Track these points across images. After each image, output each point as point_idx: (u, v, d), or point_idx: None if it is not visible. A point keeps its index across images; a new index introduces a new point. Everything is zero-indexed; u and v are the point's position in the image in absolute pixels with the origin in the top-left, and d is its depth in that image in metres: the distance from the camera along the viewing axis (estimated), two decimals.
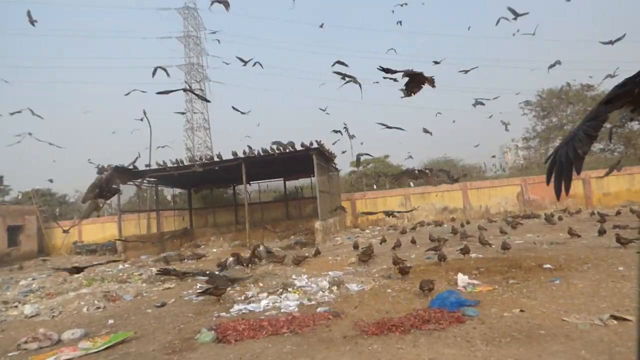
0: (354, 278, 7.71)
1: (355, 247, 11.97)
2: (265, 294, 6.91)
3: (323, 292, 6.82)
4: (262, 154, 16.41)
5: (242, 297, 6.97)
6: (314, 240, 15.34)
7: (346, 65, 8.45)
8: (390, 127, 8.96)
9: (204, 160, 17.86)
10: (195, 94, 18.73)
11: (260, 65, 11.89)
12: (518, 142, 37.57)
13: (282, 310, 5.97)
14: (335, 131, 14.40)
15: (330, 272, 8.59)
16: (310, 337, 4.61)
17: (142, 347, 4.90)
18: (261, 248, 12.11)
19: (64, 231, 18.50)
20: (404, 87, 4.79)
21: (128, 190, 21.09)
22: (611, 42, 11.11)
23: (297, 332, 4.81)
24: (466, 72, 11.82)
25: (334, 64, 8.45)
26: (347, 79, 7.54)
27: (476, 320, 4.67)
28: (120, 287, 9.08)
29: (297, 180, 24.58)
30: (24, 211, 23.66)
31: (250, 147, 16.55)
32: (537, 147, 33.12)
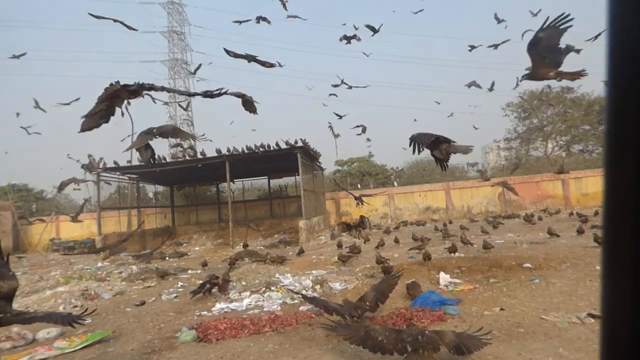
0: (337, 277, 7.71)
1: (339, 246, 11.97)
2: (247, 293, 6.86)
3: (306, 290, 6.80)
4: (246, 151, 16.30)
5: (225, 296, 6.90)
6: (298, 239, 15.30)
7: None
8: (341, 117, 8.74)
9: (187, 157, 17.67)
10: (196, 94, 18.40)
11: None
12: (500, 142, 38.23)
13: (265, 309, 5.93)
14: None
15: (313, 271, 8.57)
16: (293, 336, 4.58)
17: (120, 346, 4.80)
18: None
19: (74, 220, 16.69)
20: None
21: (108, 187, 20.71)
22: (495, 46, 11.35)
23: (279, 331, 4.78)
24: (496, 47, 11.68)
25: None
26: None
27: (457, 318, 4.71)
28: (98, 285, 8.89)
29: (281, 179, 24.51)
30: None
31: (234, 147, 16.43)
32: (519, 147, 33.75)
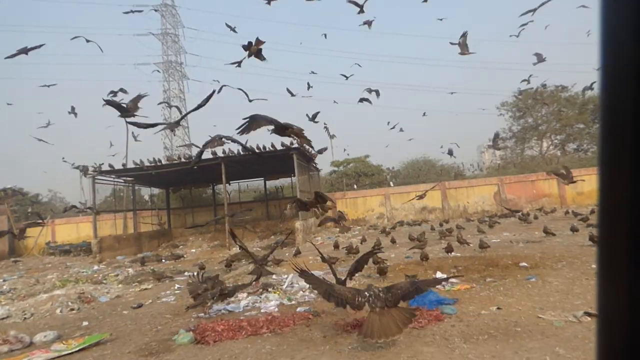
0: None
1: (336, 246, 11.98)
2: (245, 294, 6.84)
3: (303, 291, 6.80)
4: (242, 153, 16.26)
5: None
6: (294, 240, 15.28)
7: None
8: (251, 100, 8.67)
9: (182, 159, 17.62)
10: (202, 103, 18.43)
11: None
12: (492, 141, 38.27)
13: (262, 311, 5.92)
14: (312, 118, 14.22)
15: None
16: (290, 337, 4.58)
17: (117, 349, 4.78)
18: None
19: (89, 209, 16.61)
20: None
21: (104, 189, 20.61)
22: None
23: (277, 332, 4.78)
24: (517, 35, 11.61)
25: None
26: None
27: (454, 318, 4.72)
28: (95, 288, 8.86)
29: (277, 180, 24.47)
30: None
31: (229, 149, 16.39)
32: (514, 147, 33.88)
